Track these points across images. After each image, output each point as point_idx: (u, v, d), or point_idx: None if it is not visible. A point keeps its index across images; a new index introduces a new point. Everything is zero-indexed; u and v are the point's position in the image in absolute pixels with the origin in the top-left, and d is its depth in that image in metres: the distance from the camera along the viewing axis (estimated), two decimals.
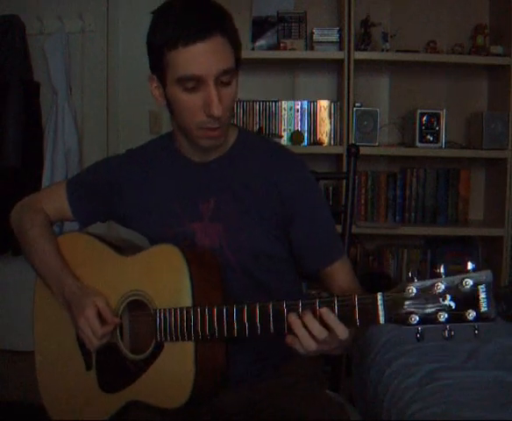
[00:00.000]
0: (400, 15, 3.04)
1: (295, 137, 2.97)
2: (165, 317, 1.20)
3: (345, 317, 1.04)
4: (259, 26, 3.00)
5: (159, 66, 1.20)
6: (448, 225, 3.00)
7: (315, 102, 3.00)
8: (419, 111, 2.87)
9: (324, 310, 1.04)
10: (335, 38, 2.90)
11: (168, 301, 1.21)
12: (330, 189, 3.03)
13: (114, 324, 1.25)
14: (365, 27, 2.90)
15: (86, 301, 1.24)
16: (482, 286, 0.94)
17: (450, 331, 0.96)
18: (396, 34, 2.95)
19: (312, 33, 2.93)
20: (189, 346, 1.18)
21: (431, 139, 2.87)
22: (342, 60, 2.84)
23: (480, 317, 0.94)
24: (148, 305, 1.24)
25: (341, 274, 1.31)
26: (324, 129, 3.01)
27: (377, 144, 2.90)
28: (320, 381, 1.41)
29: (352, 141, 2.86)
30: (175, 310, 1.19)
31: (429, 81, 3.07)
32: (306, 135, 3.00)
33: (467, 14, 3.01)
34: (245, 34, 2.94)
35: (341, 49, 2.87)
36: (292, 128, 3.00)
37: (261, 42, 3.00)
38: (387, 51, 2.90)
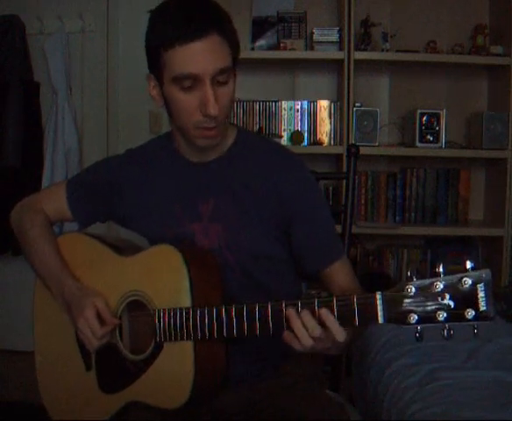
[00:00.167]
0: (400, 15, 3.04)
1: (295, 137, 2.97)
2: (164, 318, 1.20)
3: (345, 317, 1.04)
4: (259, 26, 3.00)
5: (156, 65, 1.20)
6: (448, 225, 3.00)
7: (315, 102, 3.00)
8: (419, 111, 2.87)
9: (323, 311, 1.05)
10: (335, 38, 2.90)
11: (168, 301, 1.20)
12: (330, 189, 3.03)
13: (113, 325, 1.24)
14: (365, 27, 2.90)
15: (85, 301, 1.24)
16: (481, 285, 0.94)
17: (449, 330, 0.96)
18: (396, 34, 2.95)
19: (312, 33, 2.93)
20: (189, 347, 1.18)
21: (431, 139, 2.87)
22: (342, 60, 2.85)
23: (479, 316, 0.94)
24: (147, 306, 1.24)
25: (341, 274, 1.31)
26: (324, 129, 3.01)
27: (377, 144, 2.90)
28: (320, 381, 1.41)
29: (352, 141, 2.85)
30: (175, 310, 1.19)
31: (429, 81, 3.07)
32: (306, 135, 3.00)
33: (467, 14, 3.01)
34: (245, 34, 2.94)
35: (341, 49, 2.87)
36: (292, 128, 3.00)
37: (261, 42, 3.00)
38: (387, 51, 2.90)
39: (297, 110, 3.00)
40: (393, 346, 1.73)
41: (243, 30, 2.88)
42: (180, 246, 1.23)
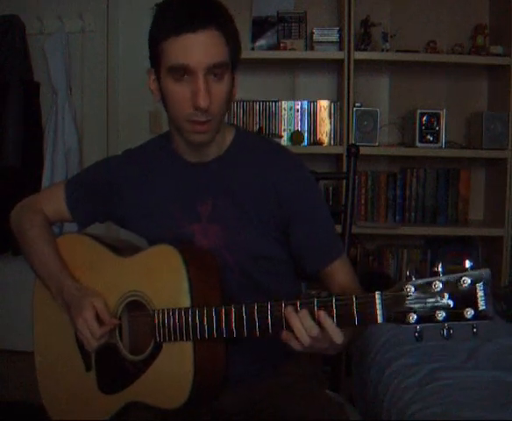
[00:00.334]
0: (400, 15, 3.04)
1: (295, 137, 2.97)
2: (163, 318, 1.20)
3: (344, 317, 1.04)
4: (259, 26, 3.00)
5: (155, 57, 1.22)
6: (448, 225, 3.00)
7: (315, 102, 3.00)
8: (419, 111, 2.87)
9: (321, 314, 1.05)
10: (335, 38, 2.90)
11: (167, 301, 1.20)
12: (330, 189, 3.03)
13: (112, 325, 1.24)
14: (365, 27, 2.90)
15: (84, 302, 1.24)
16: (480, 284, 0.93)
17: (448, 329, 0.96)
18: (396, 34, 2.95)
19: (312, 33, 2.93)
20: (188, 347, 1.18)
21: (431, 139, 2.87)
22: (342, 60, 2.85)
23: (478, 315, 0.93)
24: (147, 306, 1.24)
25: (341, 273, 1.31)
26: (324, 129, 3.01)
27: (377, 144, 2.90)
28: (319, 381, 1.41)
29: (352, 141, 2.85)
30: (174, 310, 1.19)
31: (429, 81, 3.07)
32: (306, 135, 3.00)
33: (467, 14, 3.01)
34: (245, 34, 2.94)
35: (341, 49, 2.87)
36: (292, 128, 3.00)
37: (261, 42, 3.00)
38: (387, 51, 2.90)
39: (297, 110, 3.00)
40: (393, 345, 1.73)
41: (243, 30, 2.86)
42: (179, 246, 1.23)
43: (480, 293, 0.93)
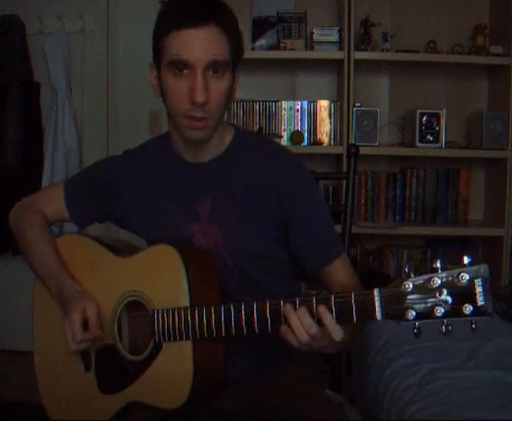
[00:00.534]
0: (400, 15, 3.04)
1: (295, 137, 2.97)
2: (163, 318, 1.20)
3: (343, 314, 1.04)
4: (259, 26, 3.00)
5: (157, 52, 1.22)
6: (448, 225, 2.99)
7: (315, 102, 3.00)
8: (419, 111, 2.86)
9: (321, 309, 1.04)
10: (335, 38, 2.90)
11: (166, 301, 1.20)
12: (330, 189, 3.02)
13: (94, 335, 1.24)
14: (365, 27, 2.90)
15: (77, 304, 1.24)
16: (479, 280, 0.93)
17: (447, 325, 0.96)
18: (396, 34, 2.95)
19: (312, 33, 2.93)
20: (188, 346, 1.18)
21: (431, 139, 2.87)
22: (342, 60, 2.84)
23: (476, 311, 0.93)
24: (146, 306, 1.24)
25: (341, 273, 1.31)
26: (324, 129, 3.01)
27: (377, 144, 2.90)
28: (319, 381, 1.41)
29: (352, 141, 2.85)
30: (173, 310, 1.19)
31: (429, 81, 3.07)
32: (306, 135, 3.00)
33: (467, 14, 3.01)
34: (245, 34, 2.92)
35: (341, 49, 2.87)
36: (292, 128, 3.00)
37: (261, 42, 3.00)
38: (387, 51, 2.90)
39: (297, 110, 3.00)
40: (393, 345, 1.73)
41: (243, 30, 2.82)
42: (178, 246, 1.23)
43: (479, 289, 0.93)
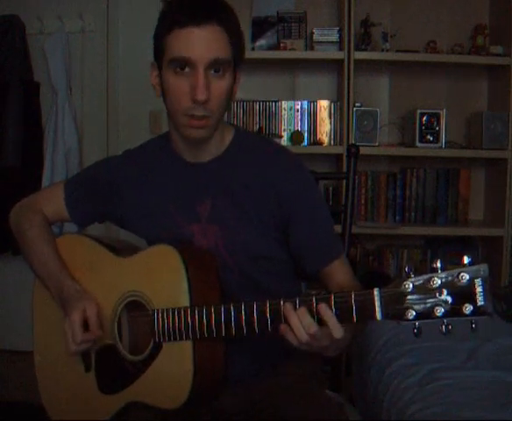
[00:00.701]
0: (400, 15, 3.04)
1: (295, 137, 2.97)
2: (163, 318, 1.20)
3: (342, 314, 1.04)
4: (259, 26, 3.00)
5: (158, 51, 1.22)
6: (448, 225, 2.99)
7: (315, 102, 3.00)
8: (419, 111, 2.87)
9: (322, 306, 1.04)
10: (335, 38, 2.90)
11: (166, 301, 1.20)
12: (330, 189, 3.02)
13: (95, 336, 1.24)
14: (365, 27, 2.90)
15: (77, 304, 1.24)
16: (478, 280, 0.93)
17: (447, 325, 0.95)
18: (396, 34, 2.95)
19: (312, 33, 2.93)
20: (188, 346, 1.18)
21: (431, 139, 2.87)
22: (342, 60, 2.84)
23: (476, 311, 0.93)
24: (146, 306, 1.24)
25: (340, 273, 1.31)
26: (324, 129, 3.01)
27: (377, 144, 2.90)
28: (319, 381, 1.41)
29: (352, 141, 2.85)
30: (173, 310, 1.19)
31: (429, 81, 3.07)
32: (306, 135, 3.00)
33: (467, 14, 3.01)
34: (245, 34, 2.90)
35: (341, 49, 2.87)
36: (292, 128, 3.00)
37: (261, 42, 3.00)
38: (387, 51, 2.90)
39: (297, 110, 3.00)
40: (393, 345, 1.73)
41: (243, 30, 2.86)
42: (178, 246, 1.22)
43: (479, 289, 0.93)
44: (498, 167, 2.94)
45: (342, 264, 1.33)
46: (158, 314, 1.20)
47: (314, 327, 1.05)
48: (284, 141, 2.98)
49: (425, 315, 0.96)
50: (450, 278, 0.95)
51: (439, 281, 0.95)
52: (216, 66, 1.18)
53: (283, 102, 3.00)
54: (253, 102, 3.00)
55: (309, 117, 3.00)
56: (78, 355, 1.31)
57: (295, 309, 1.07)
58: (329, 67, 3.09)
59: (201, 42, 1.17)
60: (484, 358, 1.60)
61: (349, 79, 2.83)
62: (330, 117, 3.00)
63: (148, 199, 1.35)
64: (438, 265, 0.96)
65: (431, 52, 2.91)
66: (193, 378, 1.17)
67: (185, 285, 1.18)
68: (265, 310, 1.10)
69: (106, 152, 3.10)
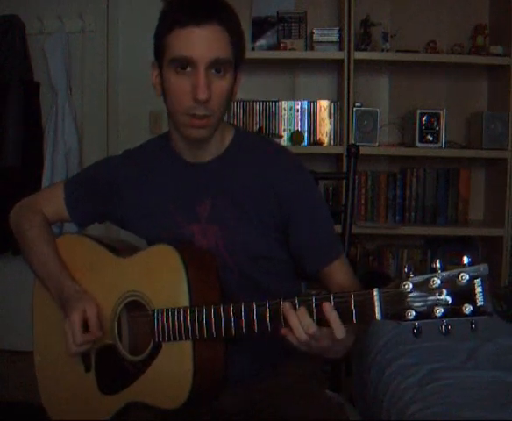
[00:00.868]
0: (400, 15, 3.04)
1: (295, 137, 2.97)
2: (162, 318, 1.20)
3: (342, 314, 1.04)
4: (259, 26, 3.00)
5: (159, 50, 1.22)
6: (448, 225, 3.00)
7: (315, 102, 3.00)
8: (419, 111, 2.87)
9: (326, 305, 1.04)
10: (335, 38, 2.90)
11: (166, 301, 1.20)
12: (330, 189, 3.02)
13: (95, 337, 1.24)
14: (365, 27, 2.90)
15: (77, 305, 1.24)
16: (478, 280, 0.93)
17: (447, 325, 0.95)
18: (396, 34, 2.95)
19: (312, 33, 2.93)
20: (187, 346, 1.18)
21: (431, 139, 2.87)
22: (342, 60, 2.85)
23: (476, 311, 0.93)
24: (146, 306, 1.24)
25: (340, 273, 1.31)
26: (324, 129, 3.01)
27: (377, 144, 2.91)
28: (319, 381, 1.41)
29: (352, 141, 2.85)
30: (173, 310, 1.19)
31: (429, 81, 3.07)
32: (306, 135, 3.00)
33: (467, 14, 3.01)
34: (245, 34, 2.94)
35: (341, 49, 2.87)
36: (292, 128, 3.00)
37: (261, 42, 3.00)
38: (387, 51, 2.90)
39: (297, 110, 3.00)
40: (393, 345, 1.73)
41: (243, 30, 2.87)
42: (178, 246, 1.22)
43: (479, 289, 0.93)
44: (498, 167, 2.94)
45: (342, 264, 1.33)
46: (158, 314, 1.20)
47: (313, 327, 1.05)
48: (284, 141, 2.98)
49: (425, 315, 0.96)
50: (449, 278, 0.95)
51: (439, 282, 0.95)
52: (216, 65, 1.19)
53: (283, 102, 3.00)
54: (253, 102, 3.00)
55: (309, 117, 3.00)
56: (78, 356, 1.32)
57: (295, 309, 1.07)
58: (329, 67, 3.09)
59: (202, 42, 1.17)
60: (484, 358, 1.60)
61: (349, 79, 2.83)
62: (330, 117, 3.00)
63: (148, 199, 1.35)
64: (438, 265, 0.96)
65: (431, 52, 2.91)
66: (193, 378, 1.17)
67: (185, 285, 1.18)
68: (264, 311, 1.10)
69: (106, 152, 3.10)
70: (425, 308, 0.96)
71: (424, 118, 2.86)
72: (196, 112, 1.19)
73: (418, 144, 2.88)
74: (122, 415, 1.27)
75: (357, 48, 2.85)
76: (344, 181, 1.73)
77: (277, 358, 1.34)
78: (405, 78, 3.08)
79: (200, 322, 1.16)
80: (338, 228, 1.61)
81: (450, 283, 0.95)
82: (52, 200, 1.43)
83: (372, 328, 1.85)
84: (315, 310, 1.05)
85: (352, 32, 2.81)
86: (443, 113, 2.87)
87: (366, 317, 1.02)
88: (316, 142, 3.00)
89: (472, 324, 0.94)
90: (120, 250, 1.35)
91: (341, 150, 2.87)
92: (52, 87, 3.07)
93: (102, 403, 1.29)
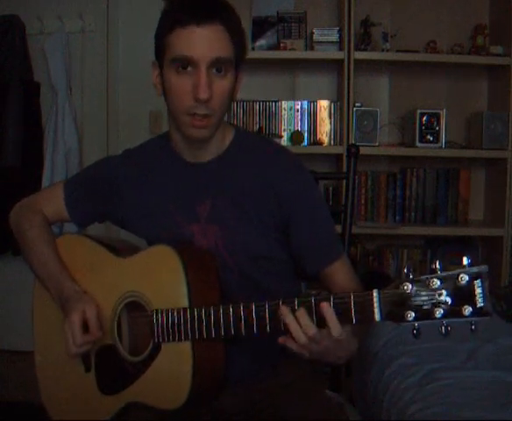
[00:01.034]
0: (400, 15, 3.04)
1: (295, 137, 2.97)
2: (162, 318, 1.19)
3: (341, 315, 1.04)
4: (259, 26, 3.00)
5: (160, 50, 1.22)
6: (448, 225, 3.00)
7: (315, 102, 3.00)
8: (419, 111, 2.87)
9: (324, 305, 1.04)
10: (335, 38, 2.90)
11: (165, 302, 1.20)
12: (330, 189, 3.03)
13: (95, 337, 1.24)
14: (365, 27, 2.90)
15: (77, 306, 1.24)
16: (478, 281, 0.93)
17: (446, 326, 0.95)
18: (396, 34, 2.95)
19: (312, 33, 2.93)
20: (187, 347, 1.18)
21: (431, 139, 2.87)
22: (342, 60, 2.85)
23: (476, 312, 0.93)
24: (145, 306, 1.24)
25: (341, 273, 1.31)
26: (324, 129, 3.01)
27: (377, 144, 2.91)
28: (319, 381, 1.41)
29: (352, 141, 2.86)
30: (172, 310, 1.18)
31: (429, 81, 3.07)
32: (306, 135, 3.00)
33: (467, 14, 3.01)
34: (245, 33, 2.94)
35: (341, 49, 2.87)
36: (292, 128, 3.00)
37: (261, 42, 3.00)
38: (387, 51, 2.90)
39: (297, 110, 3.00)
40: (393, 345, 1.73)
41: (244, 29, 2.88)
42: (177, 247, 1.22)
43: (478, 290, 0.93)
44: (498, 167, 2.94)
45: (343, 265, 1.32)
46: (157, 315, 1.20)
47: (313, 329, 1.05)
48: (284, 141, 2.98)
49: (425, 316, 0.96)
50: (449, 279, 0.95)
51: (439, 282, 0.95)
52: (217, 65, 1.19)
53: (283, 102, 3.00)
54: (253, 102, 3.00)
55: (309, 117, 3.00)
56: (78, 356, 1.32)
57: (294, 310, 1.06)
58: (329, 67, 3.09)
59: (203, 41, 1.17)
60: (484, 358, 1.60)
61: (349, 79, 2.83)
62: (330, 117, 3.00)
63: (148, 199, 1.35)
64: (438, 266, 0.96)
65: (431, 52, 2.91)
66: (192, 378, 1.17)
67: (184, 286, 1.18)
68: (264, 311, 1.10)
69: (106, 152, 3.10)
70: (425, 309, 0.96)
71: (424, 118, 2.86)
72: (197, 112, 1.19)
73: (418, 144, 2.88)
74: (122, 415, 1.27)
75: (357, 48, 2.85)
76: (344, 182, 1.73)
77: (277, 358, 1.34)
78: (405, 78, 3.08)
79: (199, 322, 1.16)
80: (338, 228, 1.61)
81: (449, 284, 0.95)
82: (52, 200, 1.43)
83: (372, 328, 1.85)
84: (314, 311, 1.05)
85: (352, 31, 2.81)
86: (443, 113, 2.87)
87: (365, 318, 1.02)
88: (316, 142, 3.00)
89: (471, 325, 0.94)
90: (120, 250, 1.34)
91: (341, 150, 2.87)
92: (52, 87, 3.07)
93: (102, 404, 1.29)
